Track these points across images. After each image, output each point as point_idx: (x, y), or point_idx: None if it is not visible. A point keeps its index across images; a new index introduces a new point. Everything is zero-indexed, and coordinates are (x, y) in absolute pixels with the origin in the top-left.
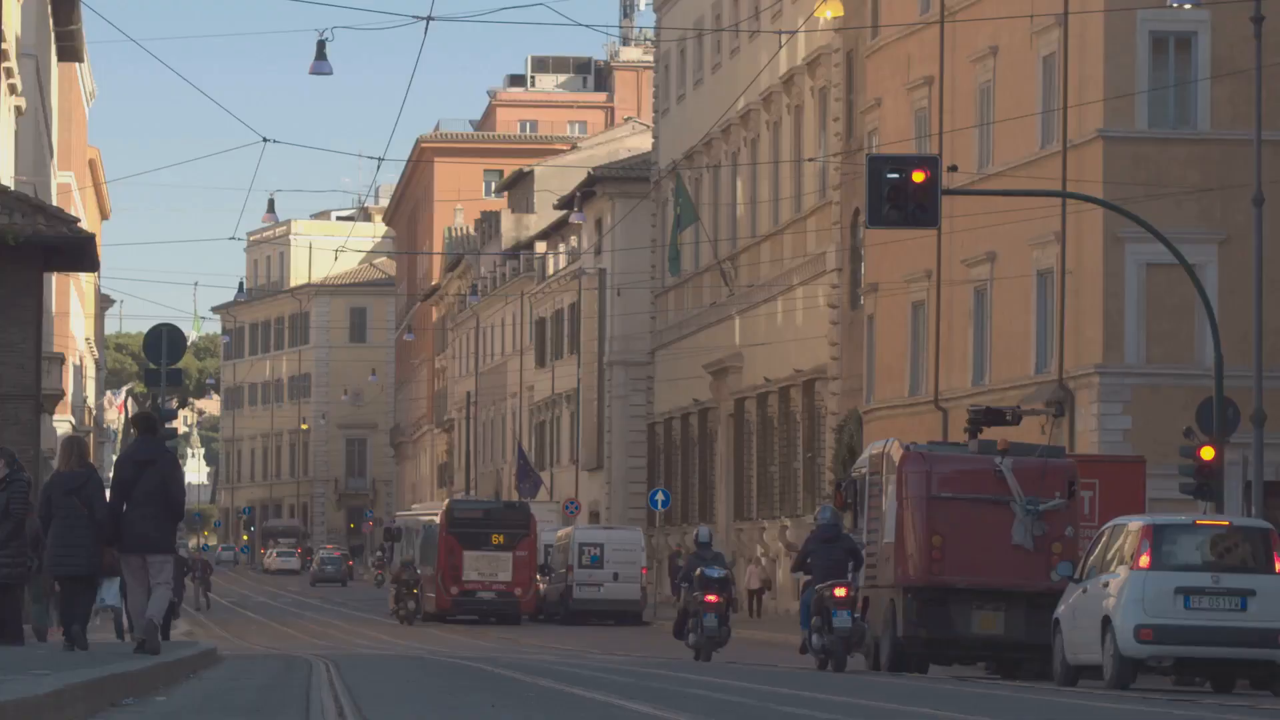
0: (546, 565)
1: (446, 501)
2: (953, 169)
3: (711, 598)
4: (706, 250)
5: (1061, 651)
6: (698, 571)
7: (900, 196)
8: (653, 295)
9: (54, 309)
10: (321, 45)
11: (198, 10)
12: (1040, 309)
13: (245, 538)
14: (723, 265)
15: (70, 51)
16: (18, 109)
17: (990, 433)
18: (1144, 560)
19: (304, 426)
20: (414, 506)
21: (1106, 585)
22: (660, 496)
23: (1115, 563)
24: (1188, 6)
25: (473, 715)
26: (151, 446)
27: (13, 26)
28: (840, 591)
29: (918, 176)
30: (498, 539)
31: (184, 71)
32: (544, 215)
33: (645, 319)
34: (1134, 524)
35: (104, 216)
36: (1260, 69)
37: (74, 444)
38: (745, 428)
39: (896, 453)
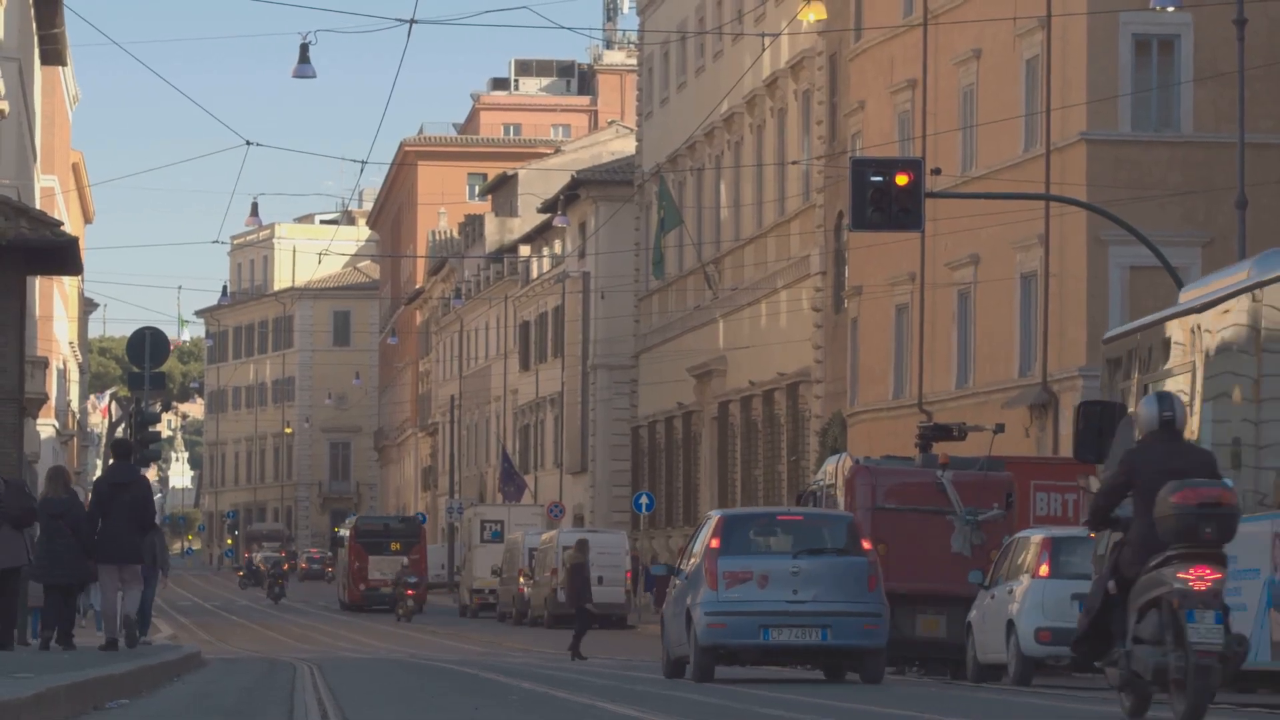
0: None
1: (354, 518)
2: (936, 172)
3: None
4: (690, 253)
5: (974, 651)
6: None
7: (884, 199)
8: (636, 298)
9: (37, 312)
10: (305, 48)
11: (181, 14)
12: (1024, 312)
13: (230, 541)
14: (706, 268)
15: (53, 55)
16: (0, 112)
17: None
18: (1043, 569)
19: (288, 430)
20: (348, 520)
21: (1011, 592)
22: (645, 500)
23: (1019, 571)
24: (1170, 9)
25: (456, 717)
26: (127, 470)
27: None
28: None
29: (901, 179)
30: (395, 546)
31: (167, 75)
32: (528, 218)
33: (629, 322)
34: (1035, 536)
35: (87, 220)
36: (1243, 71)
37: (59, 473)
38: (729, 431)
39: (847, 466)
